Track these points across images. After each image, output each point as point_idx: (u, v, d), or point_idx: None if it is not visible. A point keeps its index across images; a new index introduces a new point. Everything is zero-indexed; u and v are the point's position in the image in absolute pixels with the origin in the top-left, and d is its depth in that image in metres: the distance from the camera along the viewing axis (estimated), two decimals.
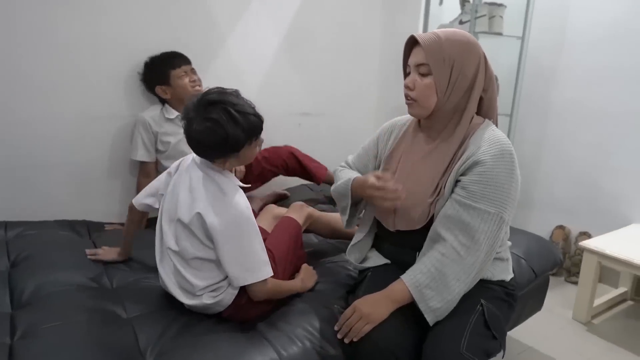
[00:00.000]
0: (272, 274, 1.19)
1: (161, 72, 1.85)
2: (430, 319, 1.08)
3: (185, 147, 1.24)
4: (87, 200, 1.89)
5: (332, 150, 2.58)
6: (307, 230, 1.58)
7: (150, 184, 1.35)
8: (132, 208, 1.38)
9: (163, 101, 1.92)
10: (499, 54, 2.43)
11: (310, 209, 1.60)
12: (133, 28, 1.86)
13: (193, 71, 1.90)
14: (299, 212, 1.56)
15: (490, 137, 1.13)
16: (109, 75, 1.85)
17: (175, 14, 1.95)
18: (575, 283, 2.35)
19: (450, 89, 1.13)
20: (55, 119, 1.77)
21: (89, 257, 1.47)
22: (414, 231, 1.20)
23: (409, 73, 1.18)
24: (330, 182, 2.02)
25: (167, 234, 1.23)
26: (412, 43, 1.18)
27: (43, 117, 1.75)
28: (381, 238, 1.35)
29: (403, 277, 1.12)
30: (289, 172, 2.14)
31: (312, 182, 2.19)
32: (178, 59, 1.86)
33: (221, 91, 1.16)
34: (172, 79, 1.85)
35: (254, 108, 1.18)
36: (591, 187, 2.38)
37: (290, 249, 1.41)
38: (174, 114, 1.90)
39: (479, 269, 1.11)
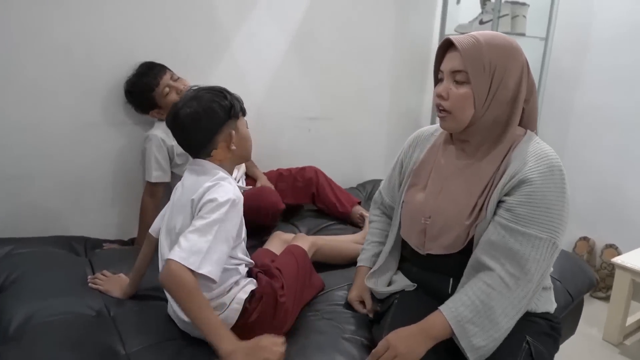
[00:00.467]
0: (199, 271, 1.01)
1: (145, 98, 1.69)
2: (473, 359, 0.96)
3: None
4: (84, 213, 1.76)
5: (341, 155, 2.46)
6: (314, 262, 1.46)
7: (165, 207, 1.27)
8: (149, 237, 1.29)
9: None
10: None
11: (314, 238, 1.53)
12: (130, 29, 1.72)
13: (174, 78, 1.71)
14: (302, 240, 1.48)
15: (536, 152, 1.01)
16: (106, 78, 1.71)
17: (175, 14, 1.81)
18: (602, 298, 2.22)
19: (489, 100, 1.02)
20: (47, 125, 1.63)
21: (89, 283, 1.34)
22: (447, 255, 1.07)
23: (441, 80, 1.06)
24: (355, 220, 1.91)
25: (163, 246, 1.16)
26: (446, 46, 1.06)
27: (34, 123, 1.61)
28: (408, 259, 1.23)
29: (443, 309, 0.99)
30: (317, 190, 2.03)
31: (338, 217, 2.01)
32: (152, 75, 1.67)
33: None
34: (158, 100, 1.69)
35: (229, 92, 1.18)
36: (616, 196, 2.26)
37: (300, 275, 1.31)
38: None
39: (528, 302, 0.99)
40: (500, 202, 1.01)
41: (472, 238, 1.04)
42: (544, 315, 1.10)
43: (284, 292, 1.21)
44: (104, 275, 1.38)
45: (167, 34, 1.81)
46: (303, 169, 2.05)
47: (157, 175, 1.72)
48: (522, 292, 0.96)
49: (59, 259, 1.47)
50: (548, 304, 1.12)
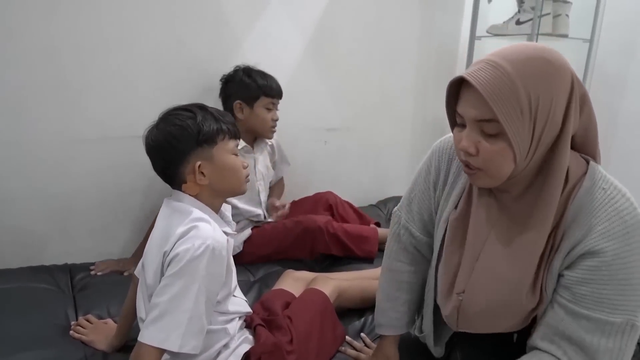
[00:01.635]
0: (182, 351, 0.83)
1: (253, 89, 1.60)
2: None
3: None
4: (70, 239, 1.55)
5: (361, 170, 2.24)
6: (338, 310, 1.25)
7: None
8: (134, 279, 1.08)
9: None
10: None
11: (337, 281, 1.29)
12: (128, 27, 1.52)
13: (278, 106, 1.68)
14: (323, 282, 1.26)
15: (603, 206, 0.75)
16: (99, 87, 1.51)
17: (180, 12, 1.60)
18: None
19: (534, 147, 0.75)
20: (31, 141, 1.43)
21: (71, 332, 1.13)
22: None
23: (462, 125, 0.79)
24: (370, 255, 1.64)
25: (139, 298, 0.96)
26: (460, 81, 0.77)
27: (15, 139, 1.41)
28: None
29: None
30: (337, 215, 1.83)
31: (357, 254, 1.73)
32: (276, 88, 1.64)
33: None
34: (257, 104, 1.62)
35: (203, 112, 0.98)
36: None
37: (319, 325, 1.09)
38: (241, 143, 1.59)
39: None
40: (560, 276, 0.80)
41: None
42: None
43: (294, 348, 1.00)
44: (88, 321, 1.17)
45: (171, 35, 1.60)
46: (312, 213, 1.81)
47: None
48: None
49: (37, 297, 1.26)
50: None
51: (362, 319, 1.30)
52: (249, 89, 1.61)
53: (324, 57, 1.99)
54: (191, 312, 0.83)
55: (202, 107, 0.98)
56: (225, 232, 0.95)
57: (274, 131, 1.69)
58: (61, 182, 1.50)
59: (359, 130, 2.19)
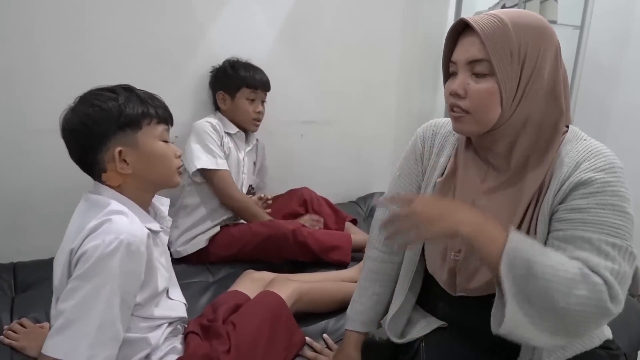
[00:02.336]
0: None
1: (234, 80, 1.60)
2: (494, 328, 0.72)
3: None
4: (22, 237, 1.47)
5: (340, 165, 2.14)
6: (299, 314, 1.16)
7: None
8: None
9: (216, 109, 1.68)
10: None
11: (298, 283, 1.19)
12: (85, 14, 1.43)
13: (263, 102, 1.67)
14: (281, 284, 1.16)
15: (587, 149, 0.80)
16: (51, 75, 1.42)
17: None
18: None
19: (520, 95, 0.79)
20: None
21: (0, 337, 1.04)
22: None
23: (454, 74, 0.83)
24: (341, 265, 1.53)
25: (53, 305, 0.87)
26: (459, 30, 0.83)
27: None
28: (432, 294, 0.99)
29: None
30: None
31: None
32: (259, 80, 1.62)
33: None
34: (239, 95, 1.60)
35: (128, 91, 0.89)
36: None
37: (263, 335, 0.99)
38: (234, 128, 1.64)
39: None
40: (553, 215, 0.79)
41: None
42: (605, 345, 0.88)
43: (231, 358, 0.90)
44: (21, 325, 1.08)
45: (132, 21, 1.51)
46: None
47: (222, 162, 1.56)
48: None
49: None
50: (605, 330, 0.91)
51: (325, 321, 1.21)
52: (231, 79, 1.60)
53: (299, 47, 1.90)
54: (101, 319, 0.74)
55: (127, 88, 0.90)
56: (149, 229, 0.86)
57: (257, 124, 1.66)
58: (13, 175, 1.42)
59: (339, 124, 2.10)
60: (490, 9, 1.97)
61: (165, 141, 0.92)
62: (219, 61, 1.67)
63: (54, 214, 1.50)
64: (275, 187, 1.92)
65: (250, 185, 1.76)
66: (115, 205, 0.83)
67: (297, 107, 1.97)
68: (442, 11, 2.23)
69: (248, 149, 1.70)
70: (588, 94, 2.01)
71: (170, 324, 0.92)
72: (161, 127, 0.91)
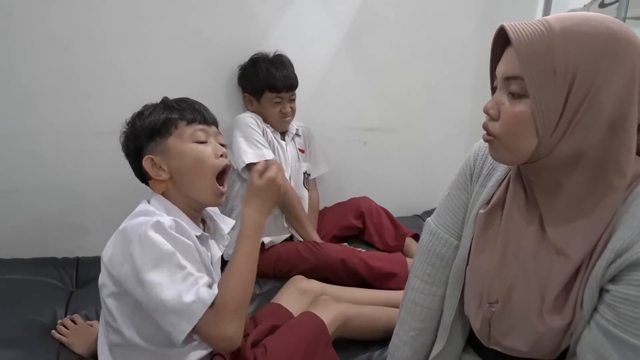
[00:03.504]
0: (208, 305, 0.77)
1: (256, 83, 1.53)
2: None
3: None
4: (83, 233, 1.52)
5: (405, 175, 2.01)
6: (341, 339, 1.08)
7: None
8: None
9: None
10: None
11: (344, 306, 1.11)
12: (142, 18, 1.46)
13: (291, 100, 1.58)
14: (326, 306, 1.08)
15: None
16: (113, 79, 1.46)
17: (197, 2, 1.51)
18: None
19: (565, 124, 0.63)
20: (43, 133, 1.42)
21: (52, 332, 1.08)
22: None
23: (497, 88, 0.69)
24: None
25: None
26: (505, 39, 0.66)
27: (26, 130, 1.40)
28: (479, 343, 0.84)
29: None
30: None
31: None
32: (281, 82, 1.52)
33: None
34: (263, 99, 1.54)
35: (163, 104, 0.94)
36: None
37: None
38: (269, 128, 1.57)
39: None
40: (602, 290, 0.65)
41: (570, 346, 0.70)
42: None
43: None
44: (73, 321, 1.10)
45: (187, 26, 1.52)
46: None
47: (268, 152, 1.49)
48: None
49: (34, 291, 1.23)
50: None
51: (368, 353, 1.11)
52: (252, 82, 1.54)
53: (362, 50, 1.81)
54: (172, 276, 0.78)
55: (163, 101, 0.95)
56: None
57: (287, 121, 1.58)
58: (73, 173, 1.48)
59: (404, 131, 1.98)
60: (585, 6, 1.73)
61: (201, 141, 0.91)
62: None
63: (112, 212, 1.55)
64: (335, 196, 1.84)
65: (305, 173, 1.68)
66: (156, 209, 0.87)
67: (358, 113, 1.87)
68: (528, 9, 2.01)
69: (288, 140, 1.63)
70: None
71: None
72: (192, 129, 0.90)
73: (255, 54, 1.57)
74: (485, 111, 0.69)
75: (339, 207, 1.77)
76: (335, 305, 1.11)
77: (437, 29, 1.90)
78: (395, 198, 1.94)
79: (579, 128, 0.62)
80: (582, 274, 0.66)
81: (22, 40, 1.35)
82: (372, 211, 1.71)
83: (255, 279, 0.86)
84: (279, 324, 1.03)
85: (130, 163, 0.95)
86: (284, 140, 1.62)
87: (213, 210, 1.02)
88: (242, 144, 1.45)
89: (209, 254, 0.93)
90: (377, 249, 1.64)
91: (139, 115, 0.93)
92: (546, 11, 1.87)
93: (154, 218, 0.79)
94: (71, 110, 1.45)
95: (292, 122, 1.64)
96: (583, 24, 0.61)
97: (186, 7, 1.51)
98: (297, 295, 1.19)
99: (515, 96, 0.65)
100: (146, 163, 0.89)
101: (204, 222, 1.00)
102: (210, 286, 0.80)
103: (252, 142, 1.46)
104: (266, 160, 0.94)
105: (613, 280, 0.63)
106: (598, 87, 0.60)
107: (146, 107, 0.94)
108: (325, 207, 1.81)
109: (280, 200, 0.92)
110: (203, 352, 0.87)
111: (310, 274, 1.37)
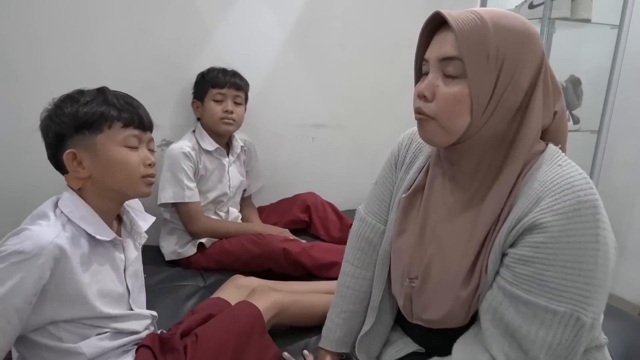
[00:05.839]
0: None
1: (202, 83, 1.55)
2: None
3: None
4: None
5: (353, 170, 2.07)
6: (279, 327, 1.11)
7: None
8: None
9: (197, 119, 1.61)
10: (584, 49, 1.85)
11: (281, 294, 1.13)
12: (85, 15, 1.45)
13: (237, 99, 1.56)
14: (261, 295, 1.10)
15: (556, 179, 0.68)
16: (54, 77, 1.44)
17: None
18: None
19: (494, 104, 0.70)
20: None
21: None
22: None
23: (426, 74, 0.74)
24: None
25: None
26: (435, 26, 0.74)
27: None
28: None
29: None
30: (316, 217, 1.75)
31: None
32: (223, 78, 1.53)
33: None
34: (207, 98, 1.53)
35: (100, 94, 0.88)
36: None
37: (229, 349, 0.94)
38: (213, 144, 1.55)
39: None
40: (504, 255, 0.71)
41: (478, 312, 0.75)
42: None
43: None
44: None
45: (131, 23, 1.51)
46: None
47: (191, 194, 1.50)
48: None
49: None
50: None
51: (306, 339, 1.15)
52: (199, 84, 1.56)
53: (309, 49, 1.85)
54: None
55: (100, 90, 0.88)
56: (98, 238, 0.83)
57: (227, 123, 1.54)
58: (15, 174, 1.46)
59: (352, 128, 2.03)
60: (517, 7, 1.83)
61: (132, 147, 0.88)
62: (224, 63, 1.65)
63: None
64: (283, 192, 1.88)
65: (244, 190, 1.73)
66: (51, 214, 0.81)
67: (305, 110, 1.91)
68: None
69: (232, 159, 1.64)
70: (626, 101, 1.83)
71: (114, 332, 0.87)
72: (126, 132, 0.86)
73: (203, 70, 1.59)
74: (420, 92, 0.72)
75: (285, 202, 1.81)
76: (272, 294, 1.13)
77: (382, 30, 1.96)
78: (344, 192, 2.00)
79: (502, 109, 0.70)
80: (487, 243, 0.72)
81: None
82: (318, 205, 1.76)
83: None
84: (215, 313, 1.05)
85: (46, 146, 0.87)
86: (228, 157, 1.61)
87: (132, 206, 0.99)
88: (166, 179, 1.47)
89: (122, 256, 0.90)
90: (324, 241, 1.69)
91: (72, 100, 0.85)
92: None
93: (25, 248, 0.73)
94: (9, 110, 1.42)
95: (237, 137, 1.65)
96: (505, 18, 0.69)
97: (129, 4, 1.50)
98: (235, 290, 1.21)
99: (451, 77, 0.70)
100: (67, 157, 0.84)
101: (120, 218, 0.96)
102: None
103: (176, 180, 1.46)
104: None
105: (512, 245, 0.70)
106: (519, 73, 0.69)
107: (81, 93, 0.87)
108: (271, 203, 1.85)
109: None
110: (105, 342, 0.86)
111: (253, 265, 1.41)
